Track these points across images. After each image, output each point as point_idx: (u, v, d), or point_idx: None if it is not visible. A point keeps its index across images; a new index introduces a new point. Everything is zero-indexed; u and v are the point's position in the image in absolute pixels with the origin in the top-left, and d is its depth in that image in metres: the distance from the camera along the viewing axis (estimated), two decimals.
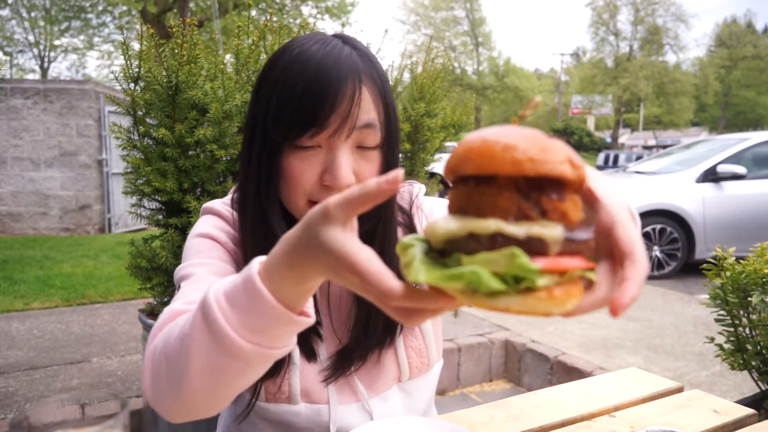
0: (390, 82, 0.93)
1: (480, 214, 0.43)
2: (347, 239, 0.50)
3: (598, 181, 0.51)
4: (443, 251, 0.45)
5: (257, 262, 0.58)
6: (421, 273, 0.44)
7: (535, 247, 0.41)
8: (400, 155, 3.00)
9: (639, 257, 0.45)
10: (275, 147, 0.82)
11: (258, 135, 0.84)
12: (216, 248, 0.88)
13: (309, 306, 0.61)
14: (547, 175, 0.42)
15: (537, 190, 0.42)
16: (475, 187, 0.44)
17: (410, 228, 0.98)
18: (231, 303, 0.59)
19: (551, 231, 0.41)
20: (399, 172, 0.46)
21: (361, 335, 0.91)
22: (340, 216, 0.49)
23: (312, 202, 0.82)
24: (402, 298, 0.47)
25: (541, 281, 0.40)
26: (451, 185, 0.47)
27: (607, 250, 0.47)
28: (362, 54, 0.84)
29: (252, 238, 0.86)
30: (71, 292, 4.81)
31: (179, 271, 0.86)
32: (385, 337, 0.94)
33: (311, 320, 0.60)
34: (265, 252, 0.81)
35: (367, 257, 0.49)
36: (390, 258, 0.87)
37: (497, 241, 0.41)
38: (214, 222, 0.92)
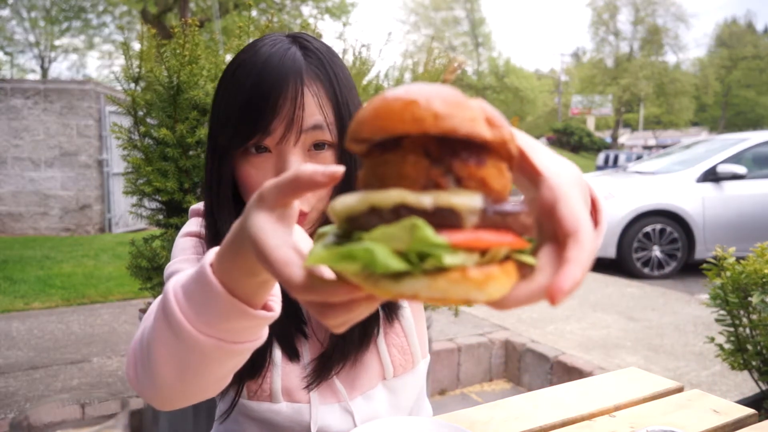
0: (353, 79, 0.92)
1: (384, 186, 0.36)
2: (267, 222, 0.45)
3: (540, 152, 0.44)
4: (348, 233, 0.37)
5: (212, 253, 0.55)
6: (313, 255, 0.36)
7: (445, 219, 0.34)
8: None
9: (583, 236, 0.38)
10: (224, 153, 0.82)
11: (211, 141, 0.85)
12: (201, 245, 0.90)
13: (274, 300, 0.58)
14: (456, 133, 0.34)
15: (450, 154, 0.35)
16: (380, 155, 0.37)
17: None
18: (187, 295, 0.57)
19: (465, 199, 0.34)
20: (340, 169, 0.42)
21: (339, 340, 0.91)
22: (270, 199, 0.45)
23: None
24: (302, 289, 0.41)
25: (451, 258, 0.33)
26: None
27: (551, 231, 0.40)
28: (310, 52, 0.82)
29: (208, 245, 0.88)
30: (71, 292, 4.81)
31: (167, 269, 0.87)
32: (363, 341, 0.93)
33: (274, 315, 0.56)
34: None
35: (277, 243, 0.44)
36: None
37: (401, 214, 0.34)
38: (199, 221, 0.94)
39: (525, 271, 0.38)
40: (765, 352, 1.66)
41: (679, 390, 1.13)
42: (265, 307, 0.57)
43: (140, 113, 2.16)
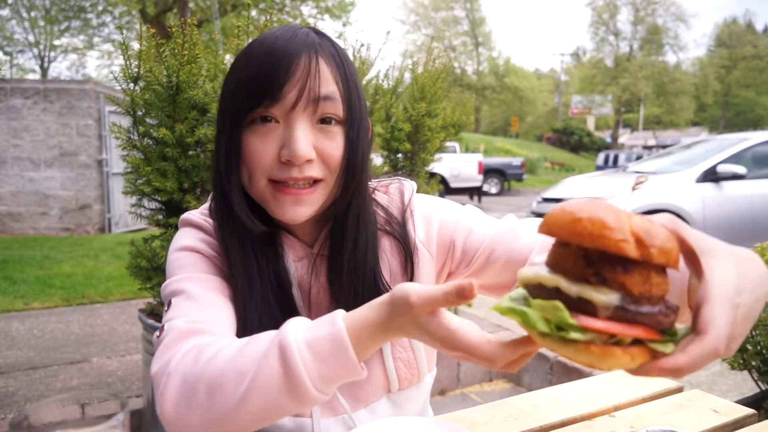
0: (359, 73, 0.93)
1: (553, 269, 0.50)
2: (441, 323, 0.59)
3: (713, 258, 0.52)
4: (525, 294, 0.54)
5: (341, 318, 0.64)
6: (496, 305, 0.53)
7: (584, 306, 0.47)
8: (400, 155, 3.00)
9: (710, 338, 0.46)
10: (235, 125, 0.80)
11: (221, 118, 0.83)
12: (201, 261, 0.86)
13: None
14: (606, 250, 0.46)
15: (603, 260, 0.47)
16: (558, 245, 0.51)
17: (403, 240, 0.92)
18: (313, 352, 0.63)
19: (603, 297, 0.46)
20: (473, 284, 0.55)
21: None
22: (425, 308, 0.59)
23: (272, 182, 0.80)
24: (503, 362, 0.57)
25: (577, 335, 0.46)
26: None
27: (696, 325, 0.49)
28: (321, 35, 0.84)
29: (219, 222, 0.85)
30: (71, 292, 4.81)
31: (168, 287, 0.83)
32: None
33: (365, 374, 0.65)
34: (230, 233, 0.83)
35: (464, 335, 0.58)
36: (367, 270, 0.86)
37: (556, 294, 0.48)
38: (193, 234, 0.90)
39: (660, 354, 0.48)
40: (765, 351, 1.66)
41: (679, 390, 1.13)
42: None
43: (139, 113, 2.15)
